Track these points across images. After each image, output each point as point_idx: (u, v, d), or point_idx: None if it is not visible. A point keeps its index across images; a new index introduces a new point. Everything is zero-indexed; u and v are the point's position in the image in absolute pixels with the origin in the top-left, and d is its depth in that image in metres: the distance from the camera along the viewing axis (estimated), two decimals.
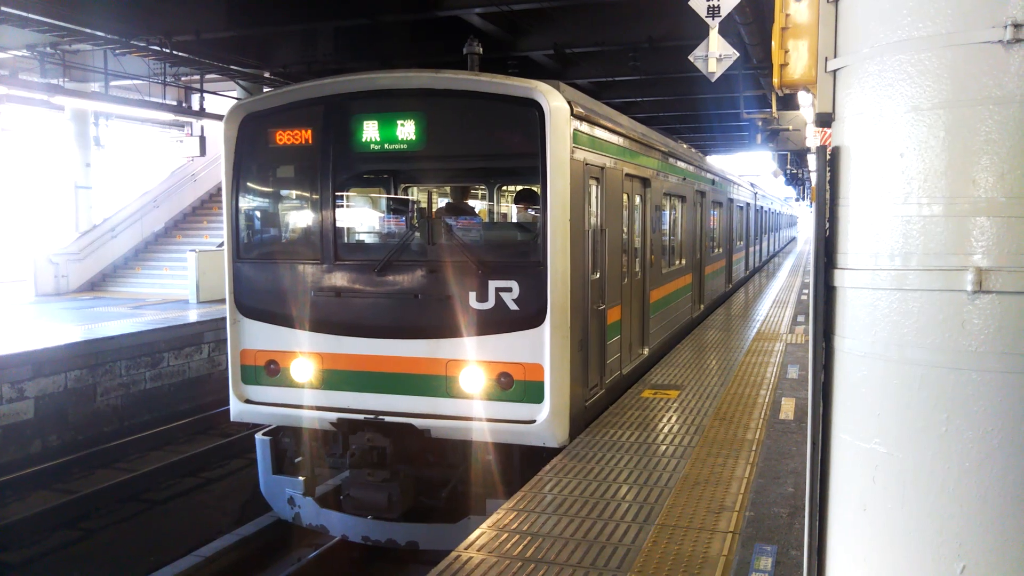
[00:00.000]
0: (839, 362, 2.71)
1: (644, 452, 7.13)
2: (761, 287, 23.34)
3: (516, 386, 7.06)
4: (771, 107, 20.27)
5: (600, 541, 5.30)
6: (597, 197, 8.27)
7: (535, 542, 5.25)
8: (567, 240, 7.03)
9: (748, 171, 35.84)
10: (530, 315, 6.99)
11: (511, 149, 7.49)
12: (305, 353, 7.71)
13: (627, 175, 9.44)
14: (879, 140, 2.51)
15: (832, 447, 2.76)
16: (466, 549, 5.18)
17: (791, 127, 21.66)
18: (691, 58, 9.98)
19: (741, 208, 22.65)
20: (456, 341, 7.17)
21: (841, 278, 2.68)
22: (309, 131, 7.62)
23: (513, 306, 7.01)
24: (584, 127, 7.63)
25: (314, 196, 7.77)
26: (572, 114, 7.15)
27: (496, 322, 7.06)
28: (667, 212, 12.33)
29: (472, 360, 7.14)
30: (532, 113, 6.93)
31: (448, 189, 9.39)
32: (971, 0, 2.30)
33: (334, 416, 7.56)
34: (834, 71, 2.75)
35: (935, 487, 2.37)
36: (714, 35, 9.60)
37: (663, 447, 7.29)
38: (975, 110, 2.29)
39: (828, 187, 2.76)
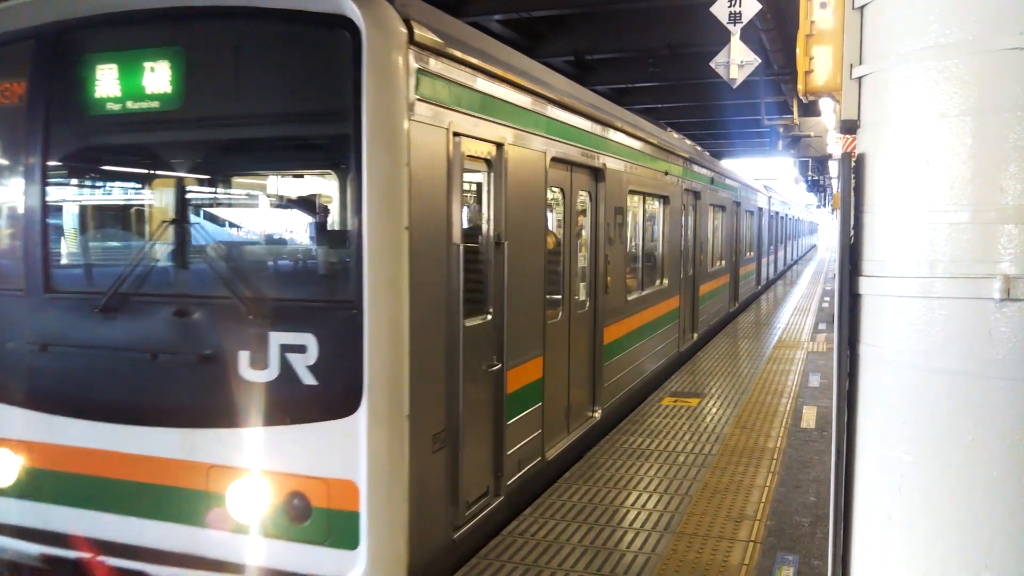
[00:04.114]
0: (864, 370, 2.70)
1: (664, 460, 7.10)
2: (776, 302, 21.38)
3: (316, 517, 4.29)
4: (792, 113, 20.20)
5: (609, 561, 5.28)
6: (491, 191, 5.58)
7: None
8: (403, 262, 4.31)
9: (768, 176, 35.67)
10: (336, 394, 4.25)
11: (309, 106, 4.54)
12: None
13: (556, 160, 6.60)
14: (905, 147, 2.49)
15: (857, 456, 2.74)
16: None
17: (812, 133, 21.56)
18: (712, 64, 9.98)
19: (751, 213, 20.29)
20: (221, 434, 4.45)
21: (866, 286, 2.67)
22: (22, 83, 4.92)
23: (309, 378, 4.27)
24: (446, 69, 4.77)
25: (18, 188, 5.00)
26: (413, 40, 4.33)
27: (282, 404, 4.33)
28: (638, 217, 9.90)
29: (248, 468, 4.39)
30: (339, 39, 4.16)
31: (214, 176, 5.84)
32: (998, 7, 2.29)
33: (37, 549, 4.80)
34: (859, 78, 2.74)
35: (962, 496, 2.35)
36: (735, 41, 9.59)
37: (683, 455, 7.26)
38: (1002, 117, 2.28)
39: (853, 194, 2.75)
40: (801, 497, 6.22)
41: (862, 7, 2.71)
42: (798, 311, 18.90)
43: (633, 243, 9.55)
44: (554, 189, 6.80)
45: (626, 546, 5.30)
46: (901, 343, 2.50)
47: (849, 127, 2.81)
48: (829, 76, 2.89)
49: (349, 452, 4.21)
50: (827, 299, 21.48)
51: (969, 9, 2.33)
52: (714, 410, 8.89)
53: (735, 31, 9.49)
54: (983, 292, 2.29)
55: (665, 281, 10.83)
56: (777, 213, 28.20)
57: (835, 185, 26.85)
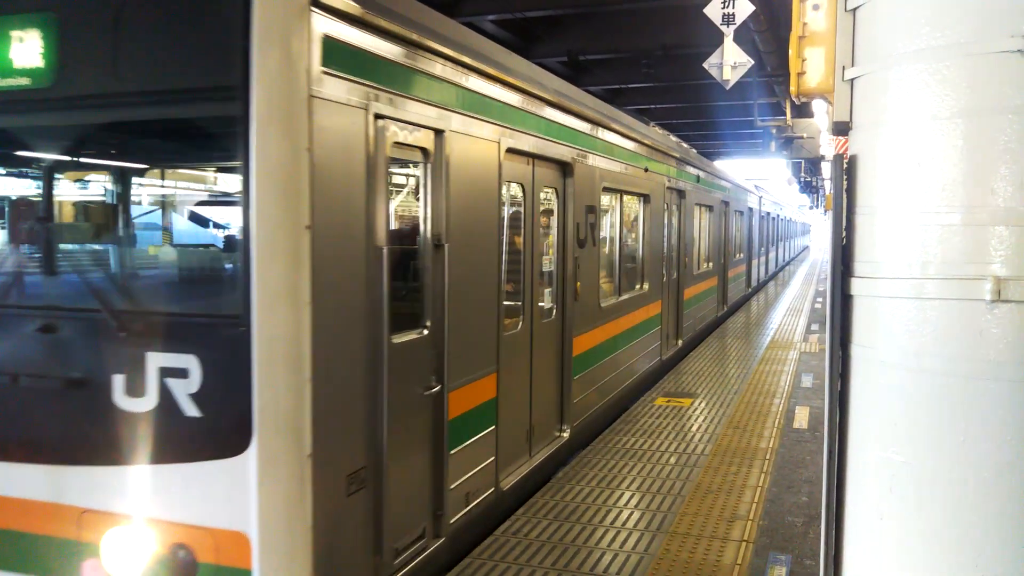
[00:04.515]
0: (856, 371, 2.71)
1: (657, 460, 7.11)
2: (767, 304, 20.93)
3: (203, 574, 3.66)
4: (785, 115, 20.25)
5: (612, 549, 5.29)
6: (429, 185, 4.84)
7: None
8: (302, 269, 3.65)
9: (761, 177, 35.78)
10: (222, 428, 3.59)
11: (191, 81, 3.71)
12: None
13: (514, 152, 5.96)
14: (897, 149, 2.51)
15: (848, 456, 2.76)
16: None
17: (805, 135, 21.60)
18: (705, 65, 10.01)
19: (741, 214, 19.81)
20: (94, 473, 3.76)
21: (858, 287, 2.68)
22: None
23: (192, 409, 3.60)
24: (364, 39, 4.07)
25: None
26: (318, 2, 3.69)
27: (163, 439, 3.66)
28: (615, 217, 9.28)
29: (125, 514, 3.72)
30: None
31: (86, 167, 5.02)
32: (990, 10, 2.30)
33: None
34: (852, 80, 2.75)
35: (953, 497, 2.36)
36: (729, 43, 9.62)
37: (675, 455, 7.27)
38: (994, 119, 2.29)
39: (845, 196, 2.76)
40: (793, 497, 6.24)
41: (855, 9, 2.72)
42: (791, 312, 18.95)
43: (609, 245, 8.94)
44: (515, 185, 6.21)
45: (619, 546, 5.31)
46: (893, 344, 2.51)
47: (841, 129, 2.82)
48: (821, 78, 2.90)
49: (238, 498, 3.51)
50: (819, 300, 21.54)
51: (960, 12, 2.34)
52: (707, 410, 8.91)
53: (728, 32, 9.52)
54: (974, 293, 2.30)
55: (646, 285, 10.16)
56: (768, 214, 28.00)
57: (828, 187, 26.92)
